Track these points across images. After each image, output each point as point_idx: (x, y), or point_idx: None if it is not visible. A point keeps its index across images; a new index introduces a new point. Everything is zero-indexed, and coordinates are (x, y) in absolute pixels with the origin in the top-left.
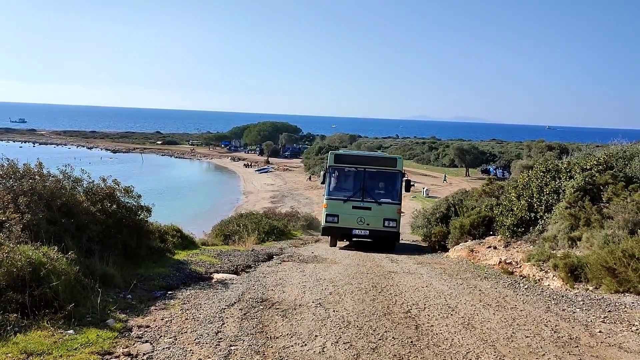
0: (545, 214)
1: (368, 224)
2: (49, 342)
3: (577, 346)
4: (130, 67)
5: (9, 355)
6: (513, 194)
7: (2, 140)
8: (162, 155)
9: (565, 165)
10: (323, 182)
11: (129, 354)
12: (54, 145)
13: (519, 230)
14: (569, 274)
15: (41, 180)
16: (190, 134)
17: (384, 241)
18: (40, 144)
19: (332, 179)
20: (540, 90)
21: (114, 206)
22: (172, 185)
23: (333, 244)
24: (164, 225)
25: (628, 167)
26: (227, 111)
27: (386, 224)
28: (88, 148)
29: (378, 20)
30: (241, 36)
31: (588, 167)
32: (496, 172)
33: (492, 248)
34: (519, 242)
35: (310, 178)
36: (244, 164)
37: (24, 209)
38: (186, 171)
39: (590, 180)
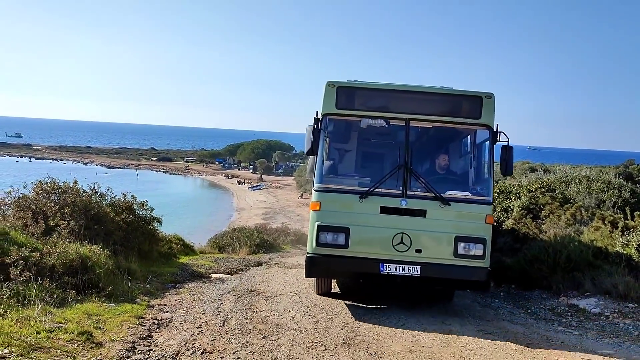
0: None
1: (419, 251)
2: (99, 309)
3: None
4: (123, 82)
5: (76, 315)
6: None
7: None
8: (156, 172)
9: (515, 188)
10: (309, 153)
11: (155, 319)
12: (49, 160)
13: None
14: (501, 276)
15: (77, 194)
16: (184, 151)
17: (452, 287)
18: (36, 158)
19: (330, 147)
20: (523, 109)
21: (132, 217)
22: (168, 202)
23: (324, 290)
24: (169, 235)
25: (567, 190)
26: (222, 128)
27: (463, 249)
28: (83, 163)
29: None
30: (230, 51)
31: (533, 189)
32: None
33: None
34: None
35: (302, 195)
36: (238, 181)
37: (68, 217)
38: (181, 188)
39: (533, 200)
